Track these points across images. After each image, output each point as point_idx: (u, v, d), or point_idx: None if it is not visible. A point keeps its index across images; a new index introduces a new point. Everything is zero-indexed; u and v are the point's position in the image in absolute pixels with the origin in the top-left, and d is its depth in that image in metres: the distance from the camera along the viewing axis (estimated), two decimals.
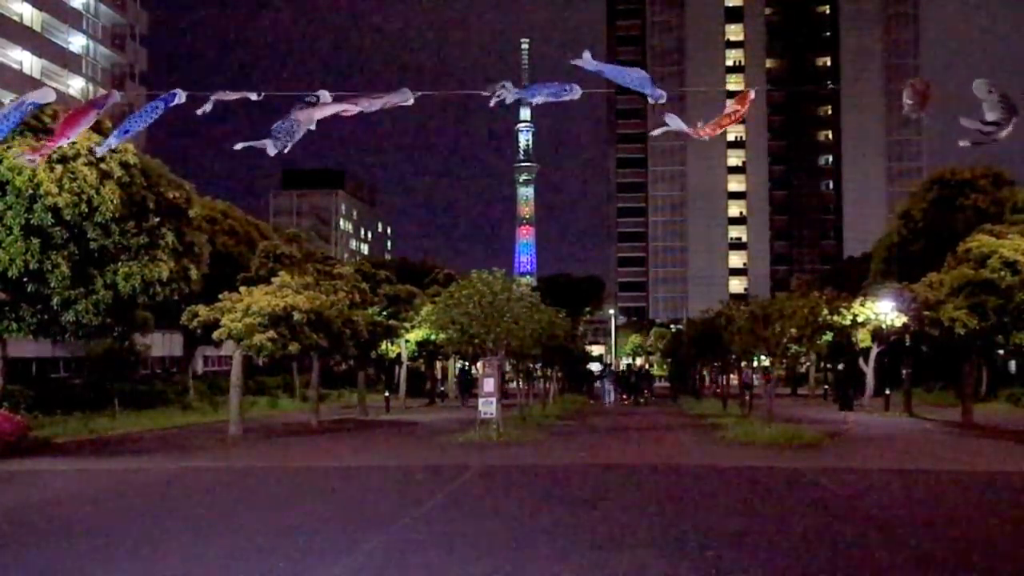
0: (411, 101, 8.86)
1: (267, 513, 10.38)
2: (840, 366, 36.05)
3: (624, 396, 41.64)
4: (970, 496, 11.87)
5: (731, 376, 38.89)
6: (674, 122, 9.13)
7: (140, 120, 9.31)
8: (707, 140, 10.45)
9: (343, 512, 10.40)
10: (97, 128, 19.18)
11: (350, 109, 8.87)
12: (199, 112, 9.06)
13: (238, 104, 9.33)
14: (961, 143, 8.63)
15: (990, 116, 8.32)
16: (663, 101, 8.97)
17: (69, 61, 57.39)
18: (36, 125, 18.40)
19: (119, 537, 8.95)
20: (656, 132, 9.56)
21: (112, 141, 10.91)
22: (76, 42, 58.59)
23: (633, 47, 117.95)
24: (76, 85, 57.63)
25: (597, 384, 47.70)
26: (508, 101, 8.92)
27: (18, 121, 9.16)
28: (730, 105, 9.27)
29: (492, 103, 8.84)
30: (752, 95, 9.28)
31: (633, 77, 8.87)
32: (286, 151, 8.88)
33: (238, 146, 9.05)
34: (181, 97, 8.91)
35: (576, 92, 8.87)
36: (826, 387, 42.50)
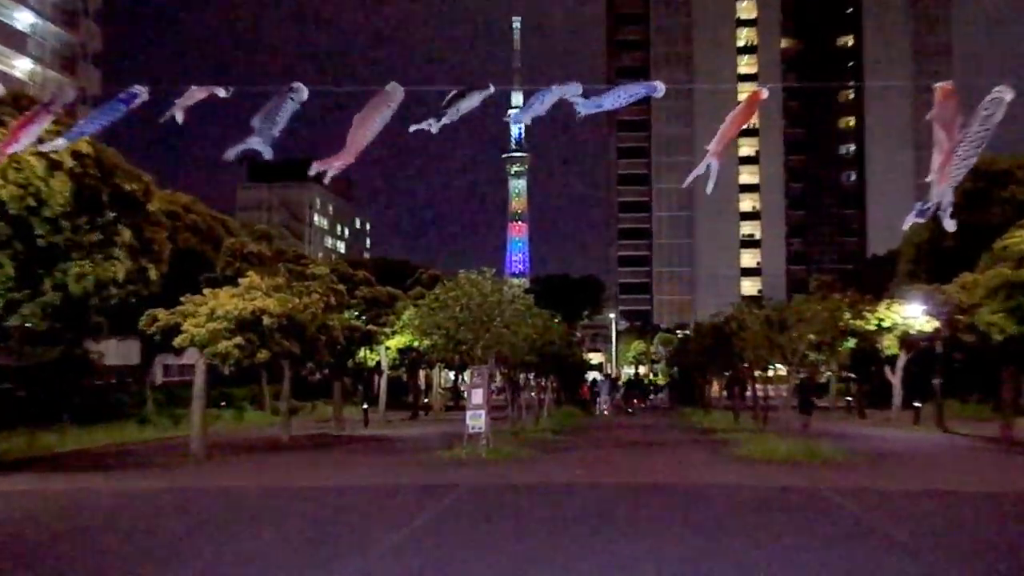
0: (402, 96, 9.20)
1: (231, 539, 10.30)
2: (801, 374, 37.90)
3: (613, 403, 44.55)
4: (1011, 521, 11.84)
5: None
6: (702, 168, 9.63)
7: (97, 121, 9.41)
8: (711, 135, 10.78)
9: (316, 538, 10.32)
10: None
11: (358, 141, 9.18)
12: (162, 120, 9.22)
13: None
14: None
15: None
16: (662, 93, 9.63)
17: (14, 40, 57.08)
18: None
19: (66, 565, 8.87)
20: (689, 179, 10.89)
21: (62, 142, 10.93)
22: (22, 19, 58.26)
23: (636, 27, 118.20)
24: (23, 67, 57.35)
25: (598, 391, 48.22)
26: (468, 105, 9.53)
27: None
28: (736, 112, 9.50)
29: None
30: (764, 93, 9.48)
31: (632, 92, 9.25)
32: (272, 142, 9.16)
33: (229, 154, 9.33)
34: (143, 95, 9.03)
35: (578, 88, 9.27)
36: (848, 399, 42.62)
